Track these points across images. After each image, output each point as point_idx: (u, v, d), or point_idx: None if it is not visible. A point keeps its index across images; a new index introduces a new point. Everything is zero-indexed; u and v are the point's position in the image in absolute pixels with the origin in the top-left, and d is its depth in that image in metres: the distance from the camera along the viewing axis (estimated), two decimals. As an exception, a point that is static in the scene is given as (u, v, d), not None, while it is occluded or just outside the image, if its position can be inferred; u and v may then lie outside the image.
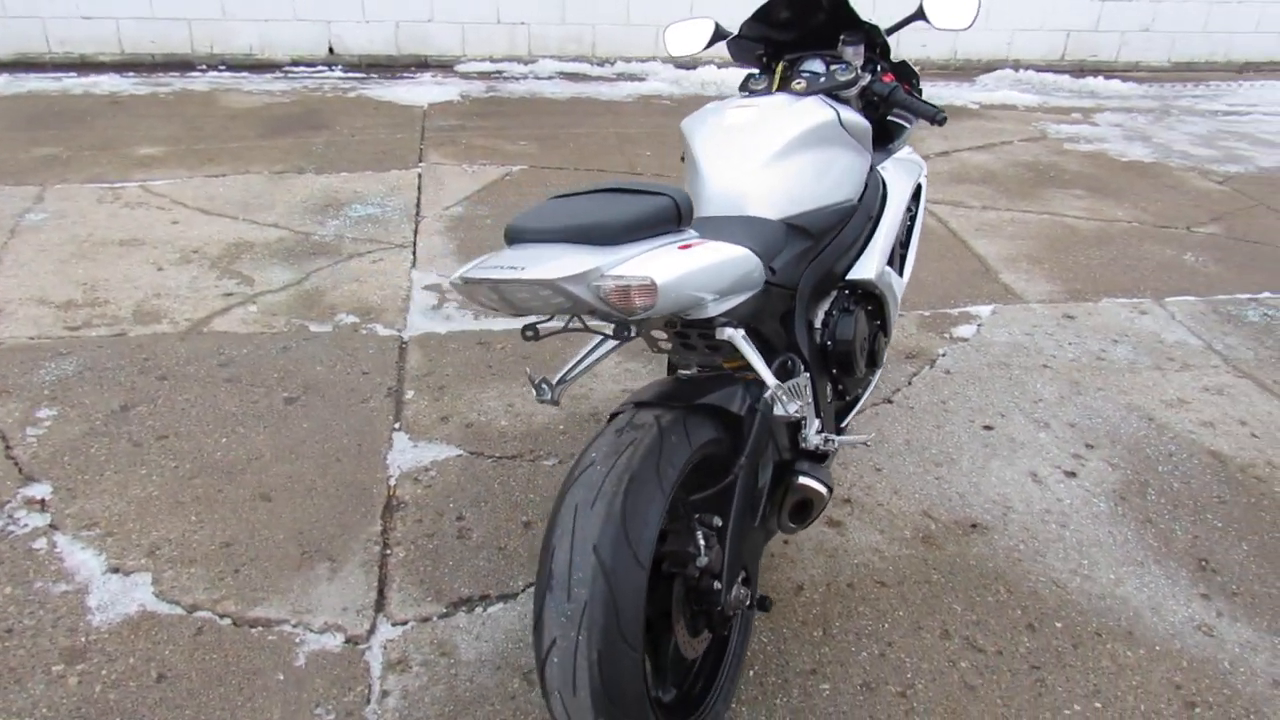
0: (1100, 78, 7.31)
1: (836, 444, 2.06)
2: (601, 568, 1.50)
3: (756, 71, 2.70)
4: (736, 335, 1.74)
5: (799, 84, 2.36)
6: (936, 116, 2.37)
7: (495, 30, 7.03)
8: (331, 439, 2.76)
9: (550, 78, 6.92)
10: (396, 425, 2.84)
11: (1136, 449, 2.85)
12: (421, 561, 2.31)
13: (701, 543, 1.68)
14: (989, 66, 7.52)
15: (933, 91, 6.83)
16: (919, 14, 2.48)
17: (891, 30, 2.53)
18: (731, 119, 2.16)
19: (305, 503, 2.50)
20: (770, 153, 2.07)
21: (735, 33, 2.60)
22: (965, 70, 7.51)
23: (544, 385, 1.91)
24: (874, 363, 2.35)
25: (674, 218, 1.60)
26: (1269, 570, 2.39)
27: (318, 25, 6.86)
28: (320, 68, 6.90)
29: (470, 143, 5.44)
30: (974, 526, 2.50)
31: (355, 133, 5.55)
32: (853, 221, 2.21)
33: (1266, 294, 3.92)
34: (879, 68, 2.47)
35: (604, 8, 7.05)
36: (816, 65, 2.47)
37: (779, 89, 2.39)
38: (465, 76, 6.89)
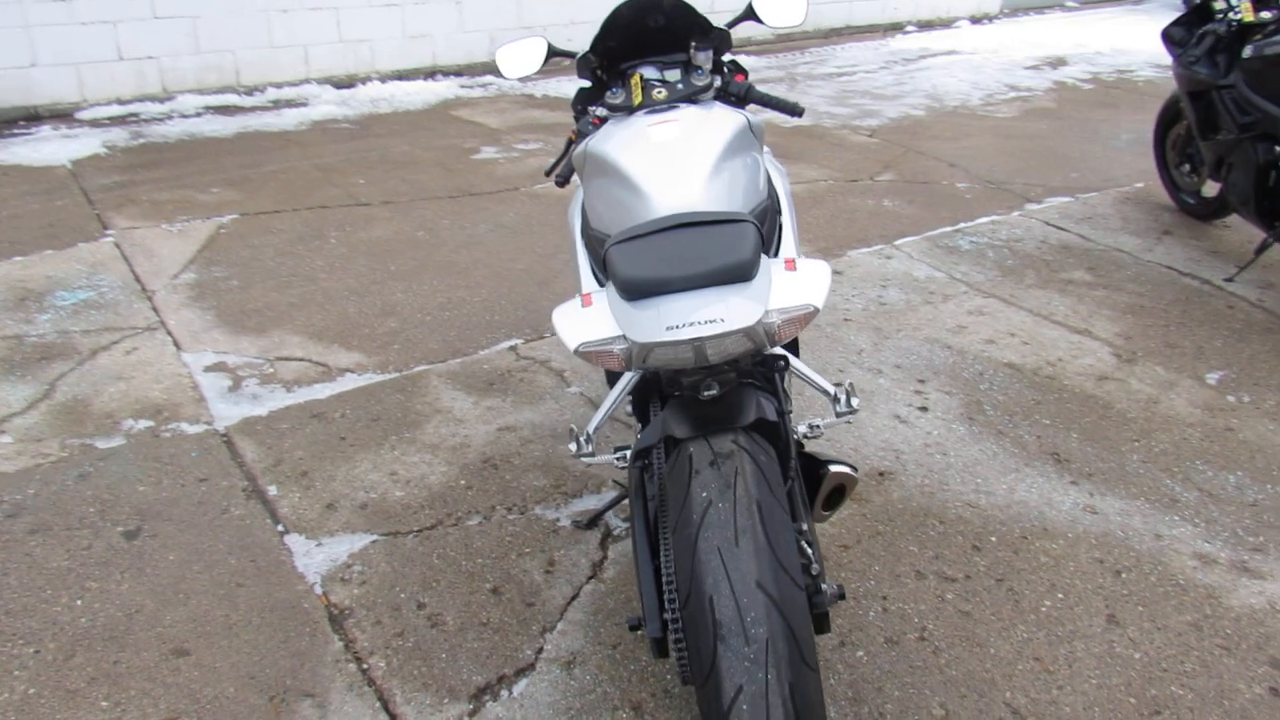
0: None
1: (822, 428, 2.17)
2: (771, 601, 1.49)
3: (588, 84, 2.69)
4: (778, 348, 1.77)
5: (659, 93, 2.40)
6: (796, 109, 2.52)
7: (118, 68, 6.17)
8: (215, 564, 2.36)
9: (199, 114, 6.22)
10: (281, 529, 2.50)
11: (955, 375, 3.27)
12: (411, 664, 2.09)
13: (809, 550, 1.71)
14: (630, 54, 7.98)
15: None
16: (749, 14, 2.61)
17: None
18: (658, 136, 2.15)
19: (233, 643, 2.13)
20: (710, 165, 2.09)
21: (583, 50, 2.57)
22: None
23: (584, 439, 1.81)
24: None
25: (762, 242, 1.59)
26: (1099, 449, 2.87)
27: (-121, 85, 5.59)
28: (-106, 136, 5.63)
29: (154, 199, 4.77)
30: (882, 474, 2.74)
31: (-4, 208, 4.64)
32: (769, 217, 2.31)
33: (961, 224, 4.62)
34: (726, 69, 2.57)
35: (243, 31, 6.46)
36: (666, 73, 2.53)
37: (640, 101, 2.41)
38: (96, 124, 5.99)
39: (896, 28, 9.70)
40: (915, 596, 2.30)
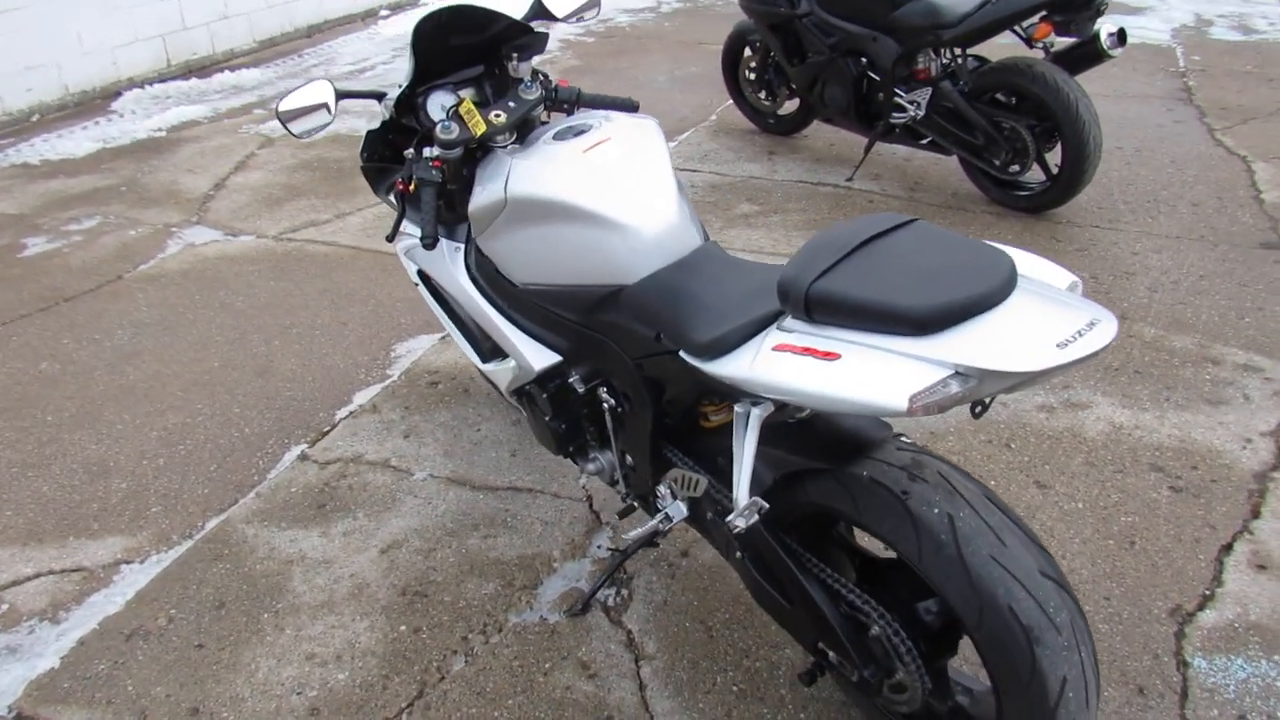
0: (227, 72, 7.13)
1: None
2: (1058, 585, 1.49)
3: (382, 125, 2.31)
4: None
5: (498, 116, 2.13)
6: (631, 104, 2.38)
7: None
8: None
9: None
10: (234, 789, 1.85)
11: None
12: None
13: None
14: (110, 93, 6.68)
15: (88, 134, 5.88)
16: (539, 10, 2.37)
17: None
18: (599, 160, 1.89)
19: None
20: (671, 179, 1.92)
21: (400, 88, 2.17)
22: (89, 106, 6.54)
23: (753, 507, 1.57)
24: None
25: None
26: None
27: None
28: None
29: None
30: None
31: None
32: None
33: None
34: (544, 76, 2.32)
35: None
36: (462, 92, 2.23)
37: (484, 131, 2.11)
38: None
39: (371, 14, 9.37)
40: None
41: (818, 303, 1.39)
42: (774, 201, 4.44)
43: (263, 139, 5.69)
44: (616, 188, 1.85)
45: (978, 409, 1.36)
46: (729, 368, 1.54)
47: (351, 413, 3.02)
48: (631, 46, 7.54)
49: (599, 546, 2.42)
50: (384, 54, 7.80)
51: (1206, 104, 5.45)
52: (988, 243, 1.41)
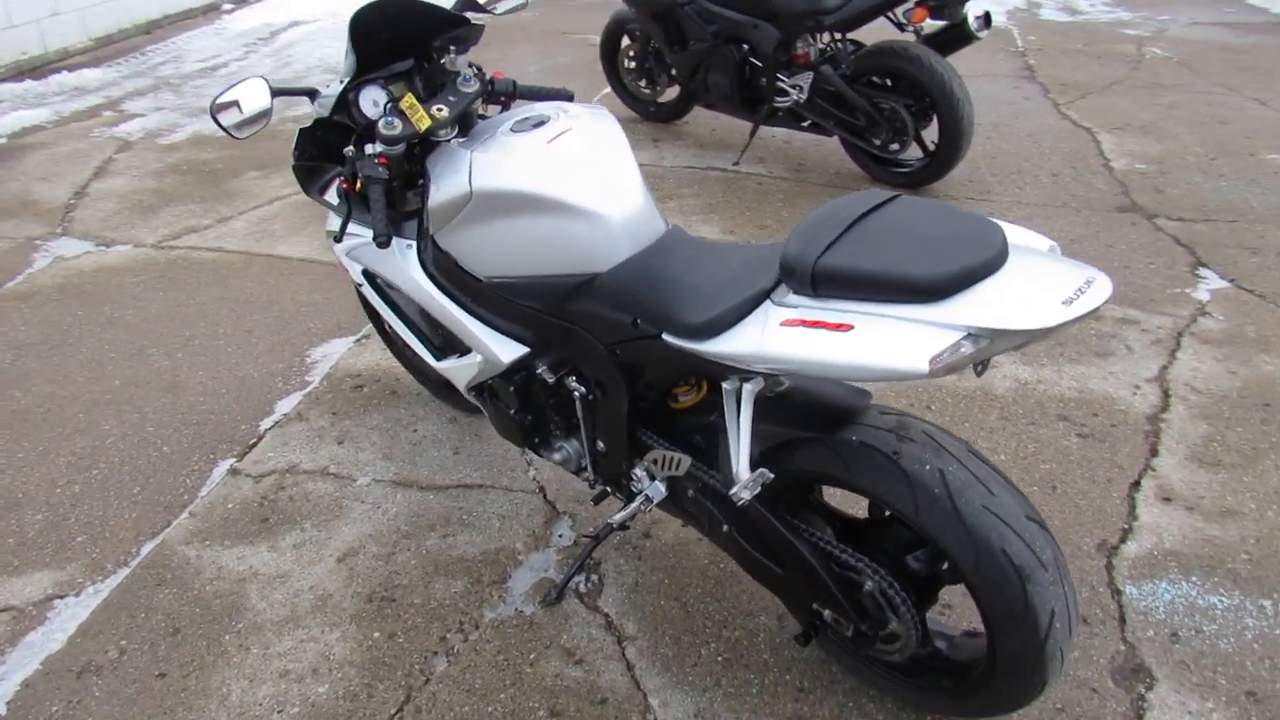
0: (65, 73, 6.63)
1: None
2: (1041, 525, 1.62)
3: (315, 123, 2.25)
4: None
5: (440, 110, 2.12)
6: (566, 94, 2.39)
7: None
8: None
9: None
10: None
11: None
12: (577, 834, 1.73)
13: None
14: (-72, 96, 6.13)
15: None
16: (467, 2, 2.35)
17: None
18: (562, 151, 1.90)
19: None
20: (634, 166, 1.94)
21: (340, 82, 2.12)
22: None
23: (756, 480, 1.63)
24: None
25: None
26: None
27: None
28: None
29: None
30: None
31: None
32: None
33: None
34: (477, 68, 2.31)
35: None
36: (392, 88, 2.20)
37: (428, 126, 2.10)
38: None
39: (214, 9, 8.91)
40: (850, 497, 2.53)
41: (825, 277, 1.46)
42: (667, 188, 4.51)
43: (119, 142, 5.36)
44: (584, 177, 1.87)
45: (979, 367, 1.46)
46: (726, 346, 1.59)
47: (277, 422, 2.91)
48: (496, 38, 7.46)
49: (559, 535, 2.43)
50: (235, 50, 7.45)
51: (1048, 81, 5.86)
52: (973, 213, 1.51)
